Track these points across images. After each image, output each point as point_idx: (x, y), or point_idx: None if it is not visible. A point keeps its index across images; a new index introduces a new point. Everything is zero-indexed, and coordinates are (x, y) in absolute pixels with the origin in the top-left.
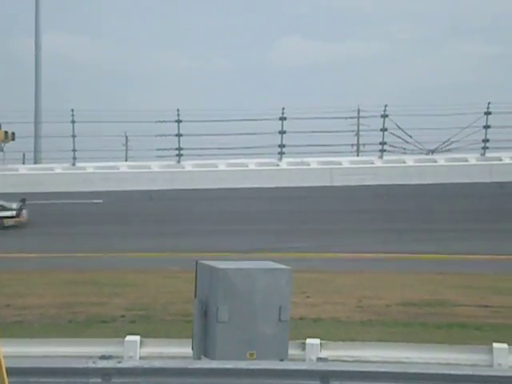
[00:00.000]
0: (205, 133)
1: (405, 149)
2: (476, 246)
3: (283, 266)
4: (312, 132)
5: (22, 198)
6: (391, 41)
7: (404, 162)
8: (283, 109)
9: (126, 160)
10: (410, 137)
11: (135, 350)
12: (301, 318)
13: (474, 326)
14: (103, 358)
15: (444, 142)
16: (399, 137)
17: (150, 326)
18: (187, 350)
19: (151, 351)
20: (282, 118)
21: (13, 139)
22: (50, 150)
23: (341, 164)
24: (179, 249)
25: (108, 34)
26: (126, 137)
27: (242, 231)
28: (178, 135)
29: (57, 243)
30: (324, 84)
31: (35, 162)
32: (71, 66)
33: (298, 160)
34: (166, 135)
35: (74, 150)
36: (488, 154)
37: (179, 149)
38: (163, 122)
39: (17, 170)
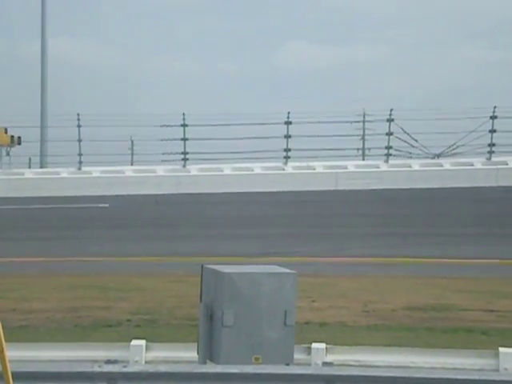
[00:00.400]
0: (210, 137)
1: (410, 153)
2: (482, 250)
3: (289, 270)
4: (317, 136)
5: None
6: (397, 45)
7: (410, 167)
8: (289, 113)
9: (132, 164)
10: (416, 141)
11: (141, 355)
12: (306, 323)
13: (479, 331)
14: (109, 362)
15: (450, 147)
16: (405, 141)
17: (156, 331)
18: (193, 354)
19: (157, 355)
20: (288, 123)
21: (19, 143)
22: (55, 154)
23: (346, 168)
24: (185, 253)
25: (112, 39)
26: (132, 141)
27: (247, 235)
28: (184, 139)
29: (62, 248)
30: (330, 88)
31: (41, 167)
32: (76, 70)
33: (304, 164)
34: (171, 139)
35: (80, 155)
36: (494, 159)
37: (185, 153)
38: (169, 126)
39: (23, 174)
